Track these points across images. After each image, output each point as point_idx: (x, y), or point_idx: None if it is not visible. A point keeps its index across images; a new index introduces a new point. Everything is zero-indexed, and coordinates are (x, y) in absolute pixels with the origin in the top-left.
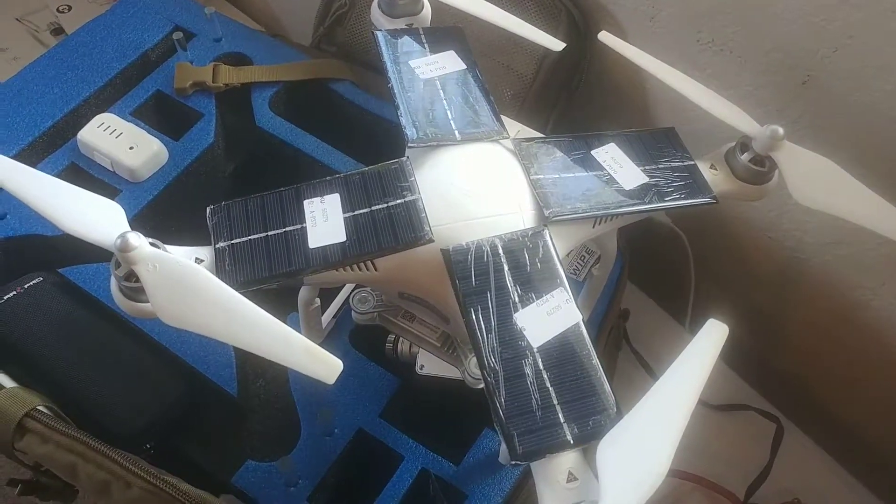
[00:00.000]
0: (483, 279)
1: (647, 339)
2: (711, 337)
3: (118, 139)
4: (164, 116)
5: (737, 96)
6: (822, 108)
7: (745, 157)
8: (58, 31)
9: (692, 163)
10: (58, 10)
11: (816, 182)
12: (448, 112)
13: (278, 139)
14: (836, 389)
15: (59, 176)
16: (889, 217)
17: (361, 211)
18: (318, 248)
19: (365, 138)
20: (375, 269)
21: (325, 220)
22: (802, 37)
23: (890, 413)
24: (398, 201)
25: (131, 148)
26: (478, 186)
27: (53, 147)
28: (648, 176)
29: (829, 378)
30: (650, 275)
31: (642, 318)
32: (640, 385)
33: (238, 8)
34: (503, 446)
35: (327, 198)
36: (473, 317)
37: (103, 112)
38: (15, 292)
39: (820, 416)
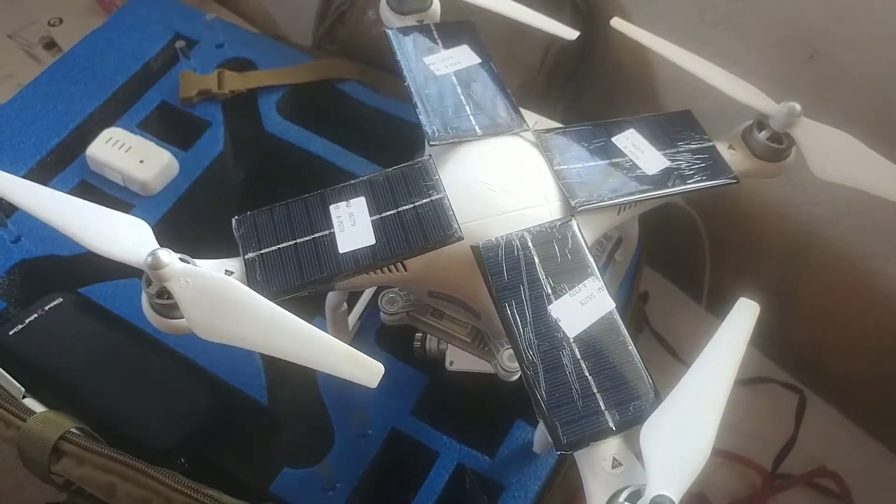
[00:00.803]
0: (515, 273)
1: (666, 320)
2: (743, 315)
3: (127, 153)
4: (172, 127)
5: (744, 73)
6: (830, 80)
7: (762, 135)
8: (50, 44)
9: (710, 144)
10: (49, 23)
11: (836, 156)
12: (467, 107)
13: (288, 143)
14: (854, 357)
15: (70, 193)
16: None
17: (388, 213)
18: (348, 252)
19: (375, 137)
20: (406, 270)
21: (352, 225)
22: (807, 10)
23: None
24: (424, 200)
25: (141, 161)
26: (503, 181)
27: (62, 165)
28: (669, 160)
29: (847, 347)
30: (665, 256)
31: (660, 299)
32: (662, 365)
33: (232, 11)
34: (537, 435)
35: (353, 202)
36: (508, 311)
37: (110, 126)
38: (36, 315)
39: (840, 385)
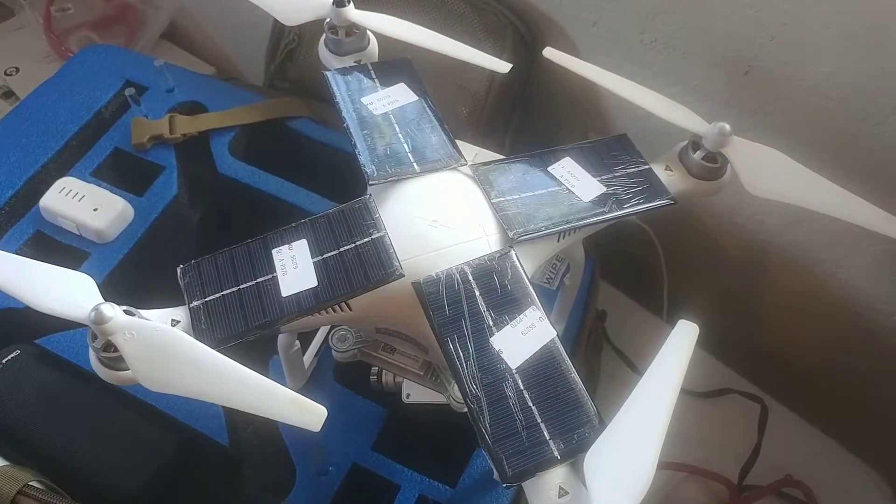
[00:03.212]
0: (456, 307)
1: (628, 336)
2: (683, 336)
3: (81, 202)
4: (125, 173)
5: (684, 91)
6: (765, 95)
7: (697, 155)
8: (7, 94)
9: (647, 167)
10: (5, 73)
11: (766, 173)
12: (405, 145)
13: (242, 183)
14: (813, 362)
15: (25, 245)
16: (837, 199)
17: (330, 254)
18: (290, 295)
19: (327, 173)
20: (350, 309)
21: (295, 268)
22: (740, 28)
23: (865, 379)
24: (365, 240)
25: (95, 209)
26: (441, 216)
27: (17, 217)
28: (606, 185)
29: (805, 352)
30: (623, 272)
31: (620, 316)
32: (626, 382)
33: (188, 51)
34: None
35: (295, 244)
36: (451, 346)
37: (63, 176)
38: None
39: (801, 391)
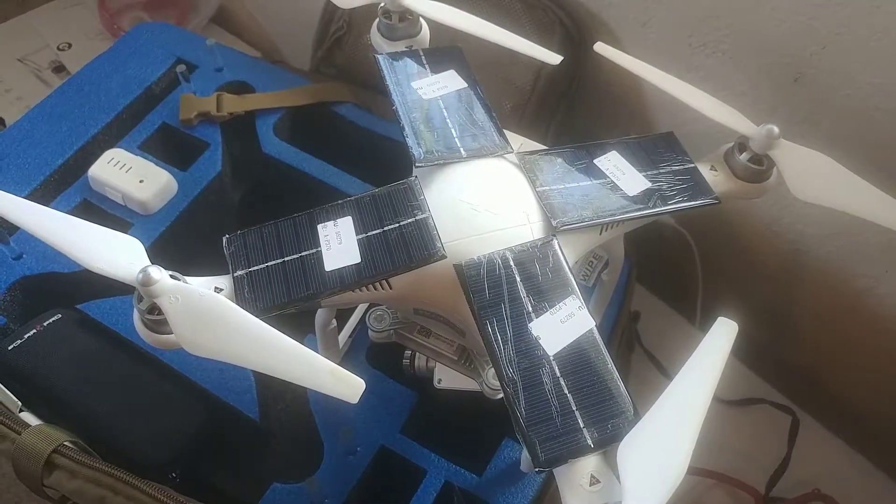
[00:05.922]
0: (496, 291)
1: (659, 340)
2: (722, 334)
3: (128, 173)
4: (172, 148)
5: (731, 96)
6: (814, 103)
7: (743, 157)
8: (59, 68)
9: (692, 165)
10: (58, 48)
11: (814, 178)
12: (452, 130)
13: (284, 164)
14: (847, 377)
15: (71, 212)
16: (886, 207)
17: (374, 232)
18: (333, 270)
19: (370, 158)
20: (391, 288)
21: (339, 243)
22: (791, 36)
23: None
24: (409, 220)
25: (141, 181)
26: (486, 201)
27: (65, 185)
28: (651, 181)
29: (839, 367)
30: (658, 276)
31: (652, 318)
32: (654, 385)
33: (236, 35)
34: (524, 454)
35: (340, 221)
36: (489, 329)
37: (112, 147)
38: (35, 330)
39: (833, 405)
